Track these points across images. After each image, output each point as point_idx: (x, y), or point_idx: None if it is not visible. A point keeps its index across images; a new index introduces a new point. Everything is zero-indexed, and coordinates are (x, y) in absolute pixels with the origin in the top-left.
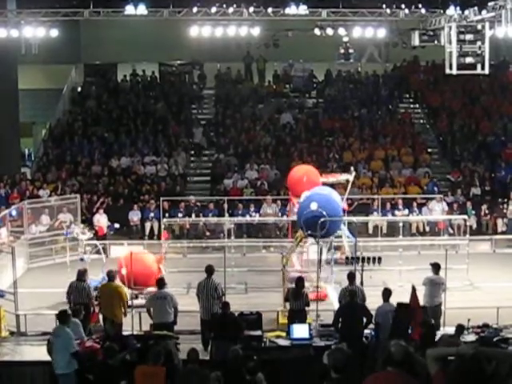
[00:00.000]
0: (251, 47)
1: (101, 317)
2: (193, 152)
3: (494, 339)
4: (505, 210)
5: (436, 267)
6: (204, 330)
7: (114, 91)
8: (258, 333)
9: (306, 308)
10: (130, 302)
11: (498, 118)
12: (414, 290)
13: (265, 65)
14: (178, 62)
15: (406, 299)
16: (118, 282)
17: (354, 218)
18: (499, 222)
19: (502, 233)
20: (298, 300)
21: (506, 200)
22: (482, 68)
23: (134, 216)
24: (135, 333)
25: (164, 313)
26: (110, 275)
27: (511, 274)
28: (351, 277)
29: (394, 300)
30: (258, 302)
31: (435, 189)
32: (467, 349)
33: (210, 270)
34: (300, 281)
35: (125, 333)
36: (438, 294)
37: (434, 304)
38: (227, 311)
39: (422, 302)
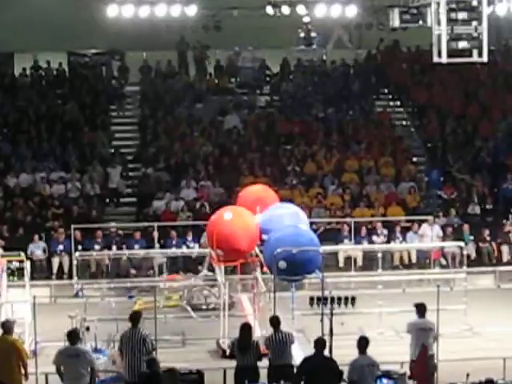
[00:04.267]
0: (186, 31)
1: None
2: (108, 200)
3: None
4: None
5: (421, 309)
6: None
7: (10, 88)
8: None
9: (259, 363)
10: None
11: (500, 118)
12: (425, 350)
13: (204, 53)
14: (93, 50)
15: (388, 349)
16: (15, 336)
17: (321, 248)
18: (504, 249)
19: (508, 263)
20: (245, 353)
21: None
22: (480, 55)
23: (37, 249)
24: None
25: (77, 374)
26: (6, 327)
27: None
28: (275, 321)
29: (372, 352)
30: (199, 357)
31: (440, 179)
32: None
33: (135, 318)
34: (246, 328)
35: None
36: (427, 343)
37: None
38: (155, 369)
39: (408, 354)
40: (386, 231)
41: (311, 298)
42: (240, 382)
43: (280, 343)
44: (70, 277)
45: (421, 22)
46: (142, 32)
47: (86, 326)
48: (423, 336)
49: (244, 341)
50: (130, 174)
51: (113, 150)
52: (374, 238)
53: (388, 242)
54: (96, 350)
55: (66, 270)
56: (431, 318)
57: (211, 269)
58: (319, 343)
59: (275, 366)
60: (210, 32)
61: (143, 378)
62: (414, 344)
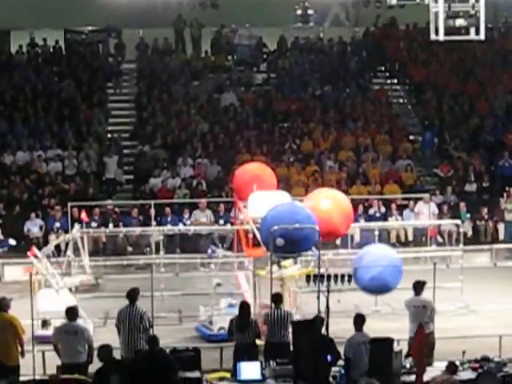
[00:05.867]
0: (183, 8)
1: None
2: (105, 187)
3: (496, 376)
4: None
5: (417, 286)
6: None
7: (6, 66)
8: (197, 374)
9: (257, 341)
10: None
11: (497, 96)
12: (420, 328)
13: (201, 31)
14: (89, 28)
15: (384, 326)
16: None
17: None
18: (500, 227)
19: (505, 241)
20: (244, 332)
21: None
22: (477, 33)
23: (33, 227)
24: (38, 378)
25: (74, 351)
26: (2, 304)
27: None
28: (276, 298)
29: (368, 329)
30: (196, 334)
31: (434, 140)
32: None
33: (133, 295)
34: (244, 306)
35: (25, 378)
36: (424, 320)
37: None
38: (156, 348)
39: (404, 331)
40: (383, 208)
41: (308, 276)
42: (239, 359)
43: (278, 320)
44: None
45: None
46: (138, 9)
47: (218, 283)
48: (417, 313)
49: (243, 319)
50: (126, 151)
51: (109, 128)
52: (371, 211)
53: (385, 219)
54: (230, 306)
55: (62, 247)
56: (427, 296)
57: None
58: (317, 321)
59: (271, 343)
60: (206, 9)
61: (142, 355)
62: (410, 321)
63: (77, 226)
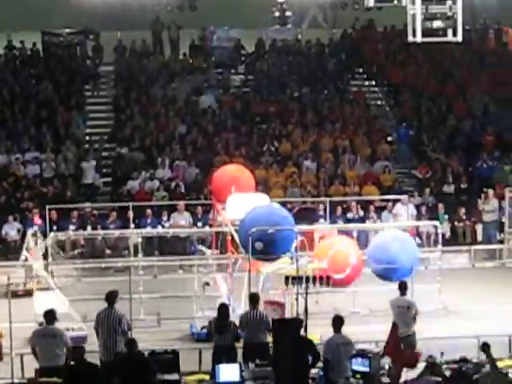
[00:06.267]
0: (161, 11)
1: None
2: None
3: (474, 377)
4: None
5: (401, 287)
6: (105, 375)
7: None
8: (175, 377)
9: (236, 344)
10: None
11: (475, 97)
12: (394, 327)
13: (178, 33)
14: (67, 30)
15: (362, 328)
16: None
17: (296, 227)
18: (479, 228)
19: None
20: (223, 333)
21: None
22: (454, 34)
23: (11, 230)
24: (16, 381)
25: (53, 354)
26: None
27: (495, 293)
28: (254, 299)
29: (346, 331)
30: (175, 336)
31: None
32: None
33: (111, 298)
34: (223, 308)
35: (3, 381)
36: (407, 321)
37: (403, 335)
38: (134, 350)
39: (383, 333)
40: (361, 212)
41: (286, 278)
42: (217, 361)
43: (254, 321)
44: (45, 257)
45: (396, 2)
46: (116, 11)
47: (206, 282)
48: (400, 314)
49: (221, 321)
50: (105, 154)
51: (87, 130)
52: (349, 215)
53: (363, 221)
54: None
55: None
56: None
57: None
58: (295, 323)
59: (250, 344)
60: (184, 11)
61: (121, 358)
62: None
63: (31, 229)
